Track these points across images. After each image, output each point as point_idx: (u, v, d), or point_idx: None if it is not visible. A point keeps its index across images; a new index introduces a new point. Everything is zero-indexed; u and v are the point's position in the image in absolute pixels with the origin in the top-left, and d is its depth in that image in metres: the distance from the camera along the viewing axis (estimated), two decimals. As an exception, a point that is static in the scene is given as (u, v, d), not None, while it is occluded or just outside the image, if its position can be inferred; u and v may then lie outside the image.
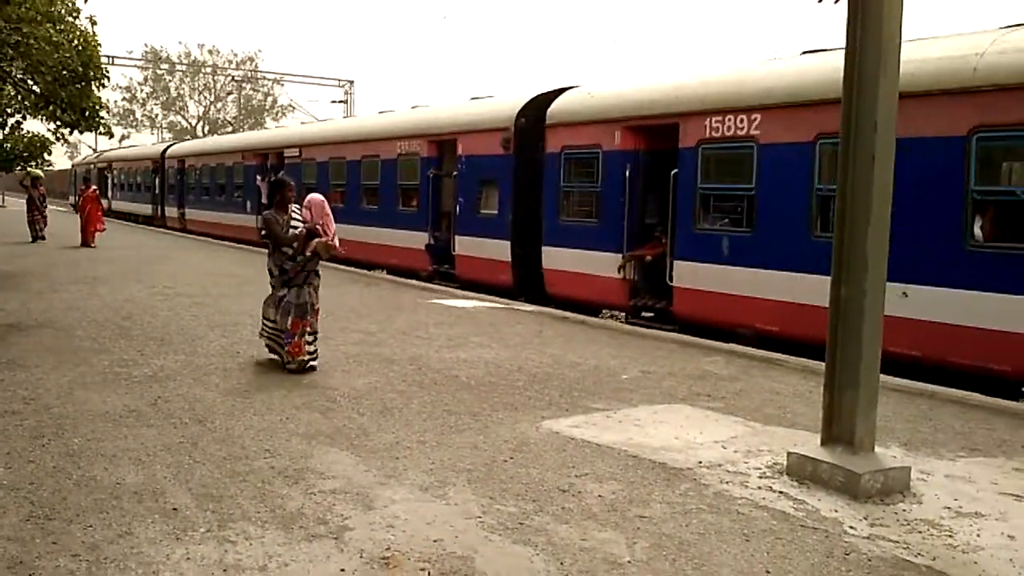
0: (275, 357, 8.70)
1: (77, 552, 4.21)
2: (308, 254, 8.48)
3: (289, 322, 8.40)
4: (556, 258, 14.51)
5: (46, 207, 25.98)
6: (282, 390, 7.63)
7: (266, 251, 8.88)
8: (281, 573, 4.06)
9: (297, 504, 4.95)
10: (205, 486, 5.19)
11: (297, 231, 8.52)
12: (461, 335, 10.77)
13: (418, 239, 18.29)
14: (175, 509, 4.81)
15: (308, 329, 8.48)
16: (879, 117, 5.50)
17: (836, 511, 5.12)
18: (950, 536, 4.79)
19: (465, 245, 16.80)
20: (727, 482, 5.57)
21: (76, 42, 14.71)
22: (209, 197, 31.09)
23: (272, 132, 34.92)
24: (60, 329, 10.37)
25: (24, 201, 28.00)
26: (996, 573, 4.34)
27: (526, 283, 15.43)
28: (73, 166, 55.41)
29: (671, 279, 12.26)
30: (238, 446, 5.99)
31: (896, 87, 5.60)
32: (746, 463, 5.97)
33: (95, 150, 55.76)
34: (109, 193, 41.47)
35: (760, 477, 5.68)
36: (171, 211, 34.62)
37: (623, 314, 13.86)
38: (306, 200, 8.86)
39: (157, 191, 36.21)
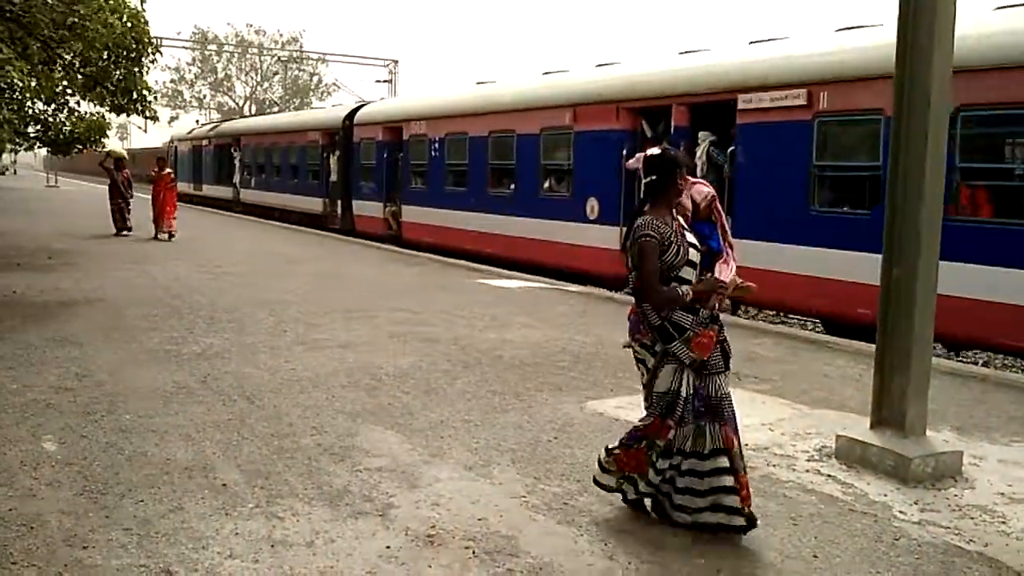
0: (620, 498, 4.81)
1: (129, 526, 4.29)
2: (715, 306, 4.55)
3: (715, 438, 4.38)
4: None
5: (131, 192, 21.24)
6: (328, 369, 7.69)
7: None
8: (328, 549, 4.11)
9: (343, 481, 4.99)
10: (253, 462, 5.26)
11: (704, 279, 4.50)
12: (505, 315, 10.78)
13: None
14: (224, 485, 4.88)
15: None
16: (933, 93, 5.36)
17: (885, 495, 5.04)
18: (1003, 522, 4.70)
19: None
20: (774, 465, 5.51)
21: (127, 19, 14.86)
22: (465, 189, 18.61)
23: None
24: (113, 307, 10.55)
25: (106, 187, 22.40)
26: (1051, 560, 4.25)
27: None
28: (172, 141, 44.95)
29: None
30: (285, 423, 6.06)
31: (950, 62, 5.46)
32: (793, 446, 5.90)
33: (198, 122, 50.56)
34: (236, 180, 33.39)
35: (808, 460, 5.62)
36: (366, 208, 22.93)
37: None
38: (690, 191, 4.94)
39: (333, 178, 24.99)
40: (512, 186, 17.00)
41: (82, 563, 3.90)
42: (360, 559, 4.02)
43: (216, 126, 39.21)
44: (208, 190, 37.30)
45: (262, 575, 3.84)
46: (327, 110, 27.97)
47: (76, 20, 13.42)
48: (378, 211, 22.30)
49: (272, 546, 4.12)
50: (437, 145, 19.52)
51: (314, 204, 26.16)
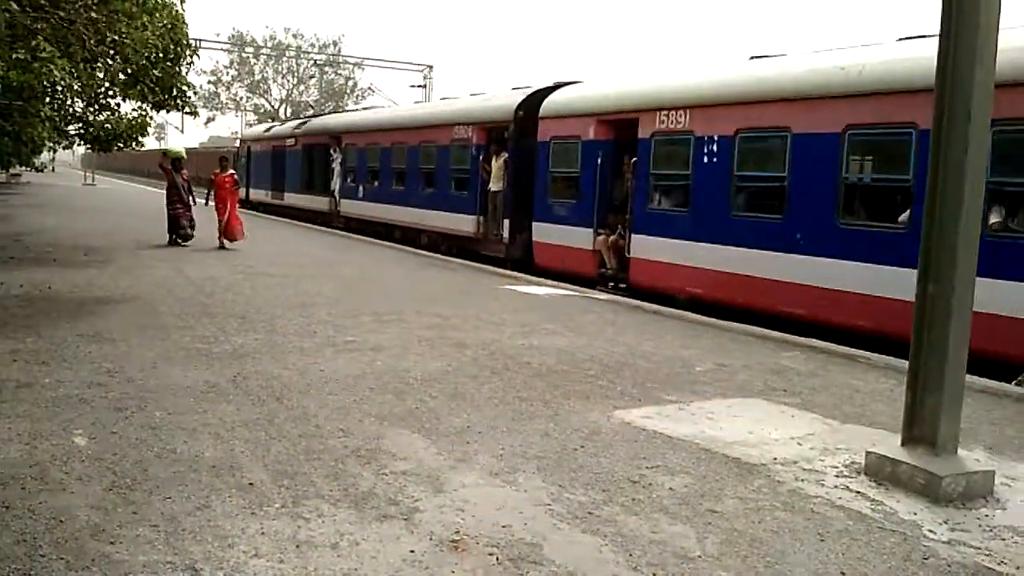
0: None
1: (156, 523, 4.33)
2: None
3: None
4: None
5: (193, 197, 19.24)
6: (357, 371, 7.72)
7: None
8: (352, 552, 4.12)
9: (369, 484, 5.00)
10: (280, 463, 5.29)
11: None
12: (534, 322, 10.77)
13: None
14: (251, 484, 4.91)
15: None
16: (974, 108, 5.30)
17: (915, 514, 4.97)
18: (1036, 545, 4.62)
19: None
20: (802, 480, 5.45)
21: (166, 21, 15.07)
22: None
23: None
24: (146, 304, 10.67)
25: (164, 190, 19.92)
26: (1085, 585, 4.17)
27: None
28: (242, 140, 40.61)
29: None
30: (313, 424, 6.09)
31: (992, 77, 5.39)
32: (822, 461, 5.84)
33: (259, 122, 47.00)
34: (335, 188, 27.27)
35: (837, 476, 5.56)
36: (558, 234, 16.59)
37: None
38: None
39: (494, 188, 18.60)
40: (907, 213, 10.61)
41: (110, 558, 3.93)
42: (384, 562, 4.03)
43: (305, 122, 32.70)
44: (292, 199, 31.09)
45: (287, 575, 3.86)
46: (484, 98, 20.43)
47: (116, 38, 13.61)
48: (582, 240, 15.83)
49: (297, 546, 4.14)
50: (717, 147, 13.07)
51: (461, 223, 19.69)
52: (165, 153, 20.31)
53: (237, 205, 19.17)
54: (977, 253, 5.46)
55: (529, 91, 18.35)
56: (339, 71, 73.16)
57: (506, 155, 18.15)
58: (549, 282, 15.15)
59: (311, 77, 74.76)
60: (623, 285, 14.86)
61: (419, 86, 56.12)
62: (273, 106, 77.56)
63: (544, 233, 17.02)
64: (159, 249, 17.62)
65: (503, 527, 4.48)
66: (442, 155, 20.81)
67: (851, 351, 9.85)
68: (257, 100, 78.50)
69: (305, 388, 7.07)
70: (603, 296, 13.75)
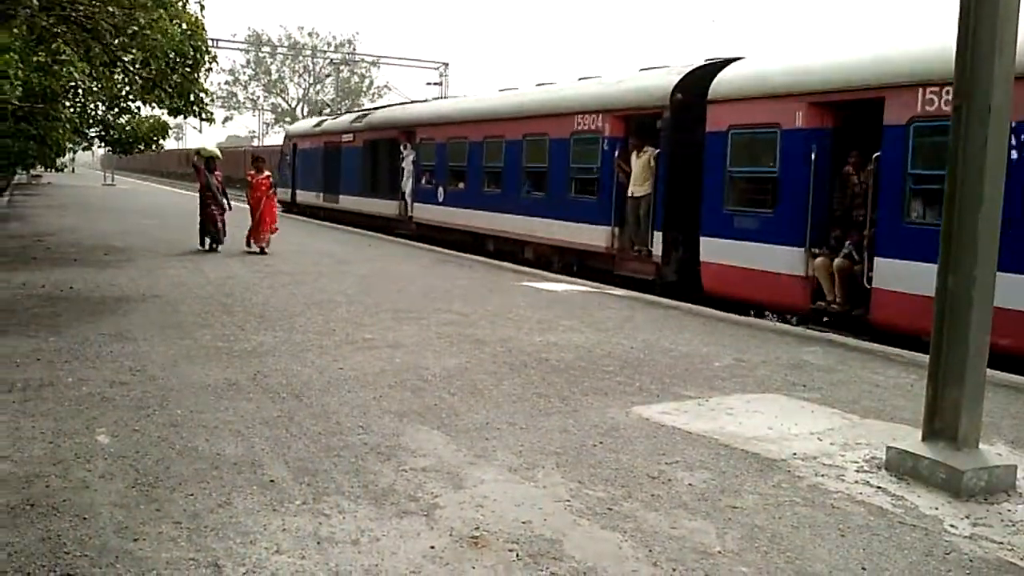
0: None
1: (179, 520, 4.36)
2: None
3: None
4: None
5: (227, 201, 17.77)
6: (375, 368, 7.75)
7: None
8: (373, 548, 4.14)
9: (389, 480, 5.02)
10: (301, 460, 5.32)
11: None
12: (552, 318, 10.77)
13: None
14: (272, 481, 4.94)
15: None
16: (993, 100, 5.26)
17: (936, 509, 4.95)
18: (1059, 539, 4.59)
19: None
20: (822, 475, 5.44)
21: (186, 26, 15.18)
22: None
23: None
24: (166, 303, 10.75)
25: (196, 193, 19.09)
26: (1109, 580, 4.13)
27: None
28: (288, 137, 35.60)
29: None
30: (333, 422, 6.12)
31: (1012, 69, 5.35)
32: (842, 456, 5.81)
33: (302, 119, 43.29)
34: (406, 190, 23.16)
35: (857, 471, 5.53)
36: (745, 254, 12.66)
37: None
38: None
39: (638, 192, 14.86)
40: None
41: (133, 555, 3.97)
42: (404, 558, 4.05)
43: (365, 114, 28.52)
44: (350, 203, 26.99)
45: (308, 571, 3.88)
46: (615, 81, 16.30)
47: (137, 28, 13.72)
48: (787, 262, 11.97)
49: (318, 543, 4.17)
50: None
51: (587, 235, 15.90)
52: (199, 152, 19.08)
53: (275, 210, 18.11)
54: (998, 246, 5.43)
55: (688, 69, 14.42)
56: (355, 70, 73.39)
57: (652, 150, 14.40)
58: (566, 278, 15.12)
59: (327, 76, 75.05)
60: (853, 320, 11.32)
61: (435, 83, 56.24)
62: (290, 105, 77.92)
63: (719, 252, 13.00)
64: (185, 253, 17.72)
65: (523, 523, 4.49)
66: (558, 151, 16.87)
67: (871, 346, 9.81)
68: (274, 99, 78.93)
69: (325, 386, 7.10)
70: (619, 292, 13.73)
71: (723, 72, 13.43)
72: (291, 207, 31.18)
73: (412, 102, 25.58)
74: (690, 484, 5.17)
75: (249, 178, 18.29)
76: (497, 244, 19.10)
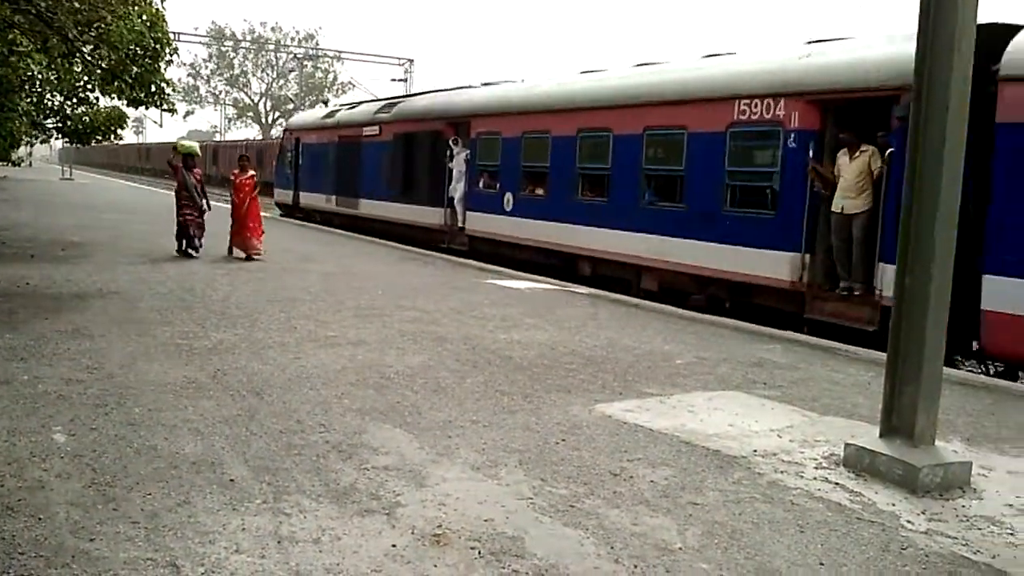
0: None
1: (136, 519, 4.30)
2: None
3: None
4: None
5: (207, 201, 16.31)
6: (338, 366, 7.71)
7: None
8: (334, 547, 4.11)
9: (350, 479, 5.00)
10: (261, 458, 5.27)
11: None
12: (515, 316, 10.78)
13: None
14: (232, 480, 4.89)
15: None
16: (951, 101, 5.34)
17: (893, 505, 5.02)
18: (1011, 534, 4.67)
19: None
20: (782, 472, 5.49)
21: (146, 18, 14.99)
22: None
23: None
24: (125, 300, 10.60)
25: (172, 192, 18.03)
26: (1060, 574, 4.22)
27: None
28: (288, 130, 31.11)
29: None
30: (294, 420, 6.07)
31: (969, 70, 5.43)
32: (802, 453, 5.88)
33: (285, 121, 40.18)
34: (456, 196, 19.23)
35: (816, 468, 5.60)
36: None
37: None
38: None
39: (850, 208, 10.62)
40: None
41: (89, 555, 3.91)
42: (366, 557, 4.03)
43: (396, 102, 23.58)
44: (375, 208, 22.78)
45: (268, 571, 3.85)
46: (807, 55, 11.79)
47: (101, 25, 13.51)
48: None
49: (278, 542, 4.13)
50: None
51: (760, 263, 11.77)
52: (175, 148, 17.48)
53: (259, 213, 16.51)
54: (954, 247, 5.51)
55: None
56: (318, 65, 72.87)
57: (872, 148, 10.65)
58: (529, 276, 15.13)
59: (291, 71, 74.45)
60: None
61: (400, 80, 55.98)
62: (253, 100, 77.24)
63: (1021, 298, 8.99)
64: (148, 250, 17.48)
65: (485, 521, 4.49)
66: (705, 148, 12.74)
67: (830, 344, 9.92)
68: (237, 94, 78.20)
69: (286, 383, 7.05)
70: (583, 290, 13.77)
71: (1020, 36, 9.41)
72: (293, 211, 28.49)
73: (462, 88, 20.99)
74: (652, 481, 5.20)
75: (232, 178, 16.79)
76: (598, 268, 15.25)
